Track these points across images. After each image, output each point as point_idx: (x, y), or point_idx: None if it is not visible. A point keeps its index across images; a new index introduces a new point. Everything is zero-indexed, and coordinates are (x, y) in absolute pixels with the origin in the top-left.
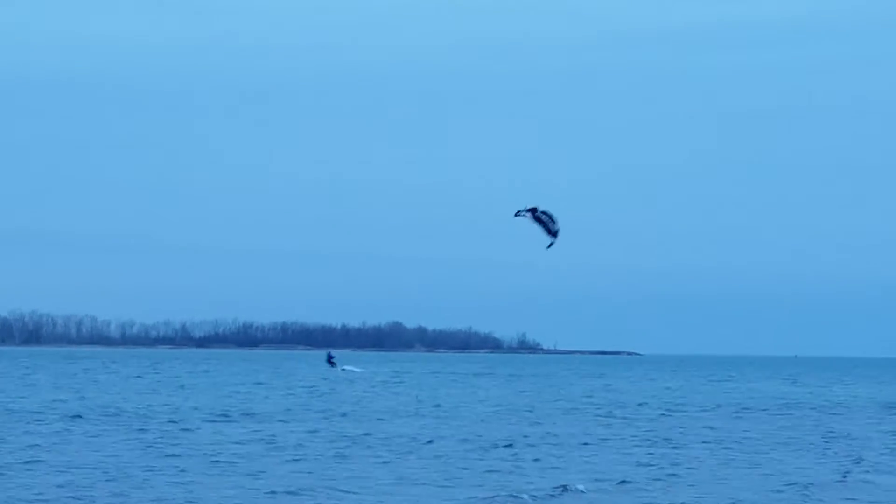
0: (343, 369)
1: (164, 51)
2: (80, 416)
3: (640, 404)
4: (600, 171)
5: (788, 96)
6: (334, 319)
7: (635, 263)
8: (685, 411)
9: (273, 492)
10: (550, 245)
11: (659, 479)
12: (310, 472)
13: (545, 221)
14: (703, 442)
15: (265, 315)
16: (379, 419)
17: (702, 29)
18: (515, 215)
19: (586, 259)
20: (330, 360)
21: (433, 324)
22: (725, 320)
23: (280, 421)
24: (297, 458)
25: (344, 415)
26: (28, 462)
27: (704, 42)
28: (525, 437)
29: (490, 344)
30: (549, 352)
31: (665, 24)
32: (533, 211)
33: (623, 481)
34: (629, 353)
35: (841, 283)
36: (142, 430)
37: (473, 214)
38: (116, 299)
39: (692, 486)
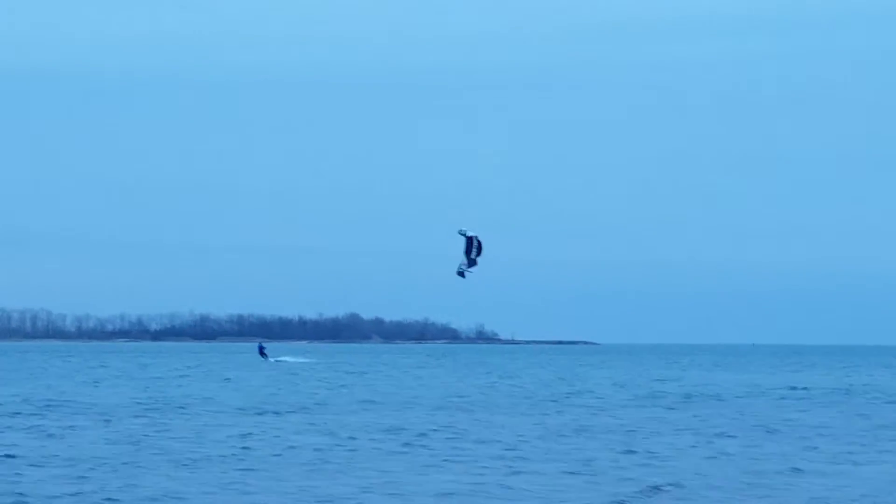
0: (277, 361)
1: (128, 42)
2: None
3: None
4: (558, 165)
5: (761, 86)
6: (291, 311)
7: (589, 254)
8: (727, 398)
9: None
10: (460, 271)
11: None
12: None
13: (473, 246)
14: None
15: (221, 307)
16: (437, 411)
17: (672, 20)
18: (460, 233)
19: (542, 251)
20: (262, 352)
21: (390, 315)
22: (679, 310)
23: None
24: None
25: (370, 405)
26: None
27: (674, 33)
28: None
29: (448, 335)
30: (507, 342)
31: (629, 15)
32: (471, 238)
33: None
34: (586, 343)
35: (791, 272)
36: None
37: (431, 207)
38: (71, 293)
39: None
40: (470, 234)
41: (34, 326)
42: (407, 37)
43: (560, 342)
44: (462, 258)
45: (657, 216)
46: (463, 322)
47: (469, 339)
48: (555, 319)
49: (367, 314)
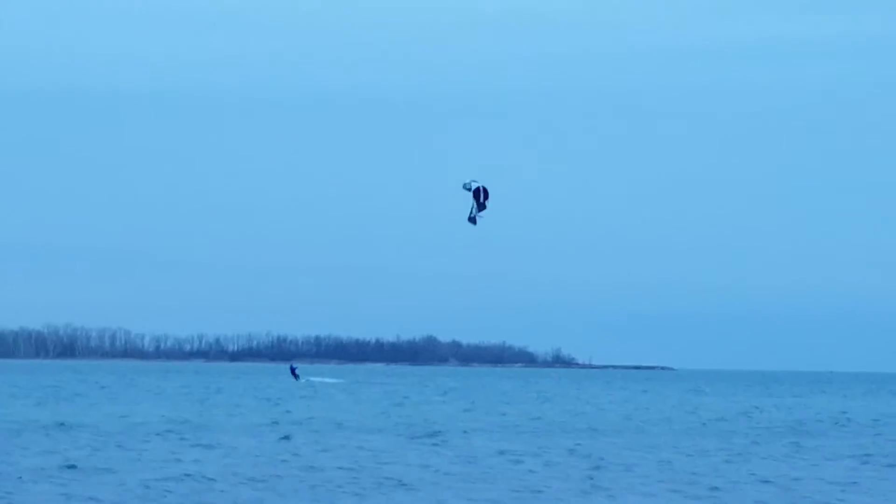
0: (308, 381)
1: (197, 67)
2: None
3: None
4: (632, 188)
5: (819, 110)
6: (368, 333)
7: (667, 279)
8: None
9: None
10: (472, 217)
11: None
12: None
13: (480, 193)
14: None
15: (299, 329)
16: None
17: (730, 45)
18: (464, 186)
19: (619, 274)
20: (293, 373)
21: (467, 338)
22: (754, 336)
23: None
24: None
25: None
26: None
27: (734, 57)
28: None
29: (524, 358)
30: (584, 366)
31: (690, 40)
32: (478, 190)
33: None
34: (663, 368)
35: (871, 298)
36: None
37: (507, 230)
38: (150, 313)
39: None
40: (475, 185)
41: (113, 346)
42: (475, 58)
43: (638, 367)
44: (472, 205)
45: (732, 240)
46: (540, 345)
47: (546, 363)
48: (630, 343)
49: (444, 337)
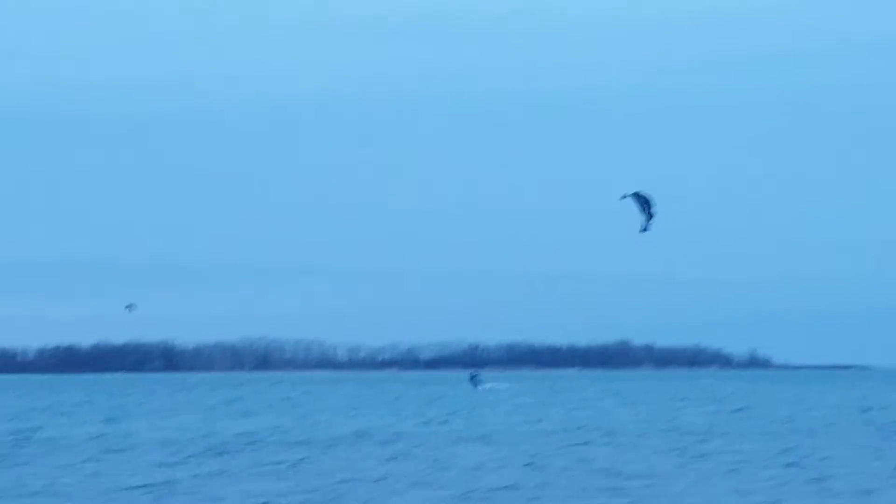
0: (487, 388)
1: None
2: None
3: None
4: (831, 180)
5: None
6: (561, 339)
7: (865, 273)
8: None
9: None
10: (645, 229)
11: None
12: None
13: (646, 202)
14: None
15: (492, 336)
16: None
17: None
18: (622, 198)
19: (817, 271)
20: (474, 380)
21: (661, 341)
22: None
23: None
24: None
25: None
26: None
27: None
28: None
29: (719, 361)
30: (781, 367)
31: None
32: (637, 196)
33: None
34: (862, 367)
35: None
36: None
37: (700, 230)
38: (344, 323)
39: None
40: (631, 192)
41: (307, 357)
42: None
43: (835, 366)
44: (640, 218)
45: None
46: (735, 346)
47: (741, 365)
48: (827, 341)
49: (637, 340)
